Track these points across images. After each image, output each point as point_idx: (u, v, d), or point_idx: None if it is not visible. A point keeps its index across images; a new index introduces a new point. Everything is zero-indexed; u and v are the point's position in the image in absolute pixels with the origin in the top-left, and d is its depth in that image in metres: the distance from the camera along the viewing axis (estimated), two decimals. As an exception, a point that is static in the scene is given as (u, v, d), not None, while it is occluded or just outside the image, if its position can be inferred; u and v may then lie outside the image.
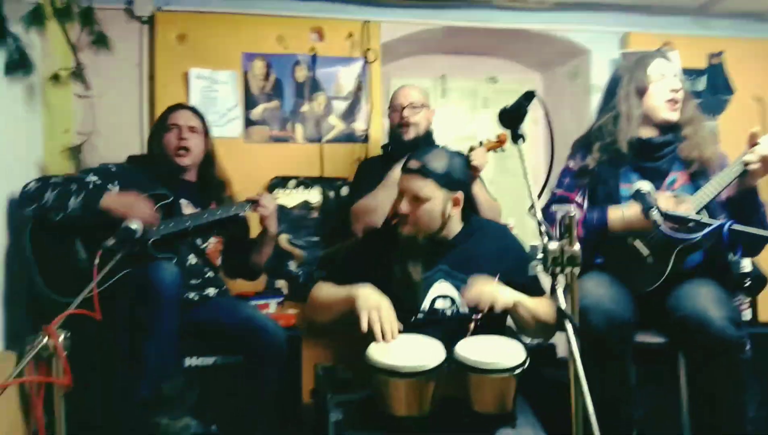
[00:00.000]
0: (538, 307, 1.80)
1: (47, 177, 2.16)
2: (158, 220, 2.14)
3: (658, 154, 2.09)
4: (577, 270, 1.06)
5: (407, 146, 2.53)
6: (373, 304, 1.70)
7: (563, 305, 1.00)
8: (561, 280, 1.06)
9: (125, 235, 1.67)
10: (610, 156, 2.09)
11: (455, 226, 1.88)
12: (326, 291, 1.89)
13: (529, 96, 1.31)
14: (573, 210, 2.04)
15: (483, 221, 1.99)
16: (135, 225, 1.72)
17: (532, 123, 3.68)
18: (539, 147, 3.69)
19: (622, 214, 1.97)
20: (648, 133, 2.10)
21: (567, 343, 0.96)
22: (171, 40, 2.98)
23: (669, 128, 2.10)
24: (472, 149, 2.49)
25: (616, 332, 1.82)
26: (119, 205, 2.06)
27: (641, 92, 2.10)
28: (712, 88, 3.42)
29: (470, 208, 2.49)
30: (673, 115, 2.07)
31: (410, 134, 2.60)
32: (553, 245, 1.06)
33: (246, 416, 2.16)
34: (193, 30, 2.99)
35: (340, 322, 1.86)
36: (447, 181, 1.78)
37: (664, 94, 2.07)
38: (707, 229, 1.38)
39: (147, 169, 2.32)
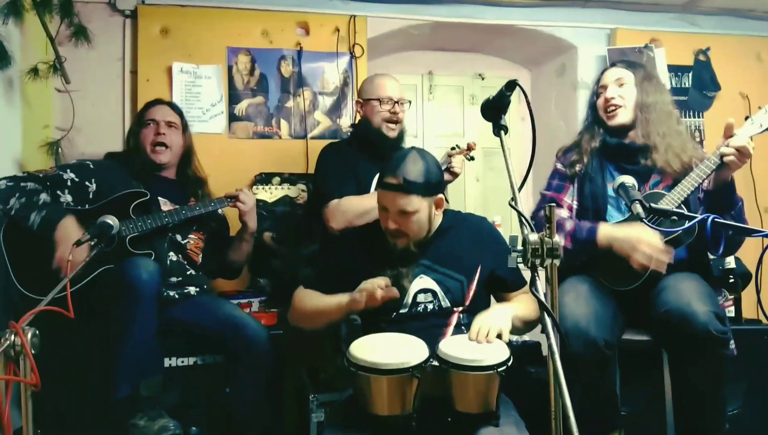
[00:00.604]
0: (526, 309, 1.81)
1: (20, 177, 2.11)
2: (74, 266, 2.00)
3: (635, 157, 2.09)
4: (557, 262, 1.03)
5: (390, 144, 2.44)
6: (361, 287, 1.70)
7: (542, 298, 0.97)
8: (541, 273, 1.04)
9: (100, 230, 1.62)
10: (594, 158, 2.14)
11: (436, 222, 1.87)
12: (313, 301, 1.86)
13: (510, 85, 1.29)
14: (564, 213, 2.05)
15: (460, 214, 1.97)
16: (111, 220, 1.68)
17: (520, 120, 3.67)
18: (526, 144, 3.67)
19: (611, 232, 1.96)
20: (619, 136, 2.13)
21: (546, 337, 0.93)
22: (154, 34, 2.93)
23: (634, 131, 2.12)
24: (450, 155, 2.43)
25: (596, 356, 1.81)
26: (61, 239, 1.94)
27: (594, 106, 2.20)
28: (699, 84, 3.42)
29: None
30: (613, 121, 2.12)
31: (395, 132, 2.48)
32: (533, 237, 1.03)
33: (228, 417, 2.12)
34: (176, 24, 2.94)
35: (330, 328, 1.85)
36: (428, 189, 1.76)
37: (603, 104, 2.15)
38: (692, 222, 1.36)
39: (124, 166, 2.27)
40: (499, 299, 1.95)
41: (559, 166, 2.23)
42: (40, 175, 2.12)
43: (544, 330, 0.94)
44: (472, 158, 2.53)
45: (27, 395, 1.23)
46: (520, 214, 1.07)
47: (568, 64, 3.49)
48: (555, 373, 0.86)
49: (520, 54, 3.70)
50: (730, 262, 2.50)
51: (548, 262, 1.02)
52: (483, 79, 3.75)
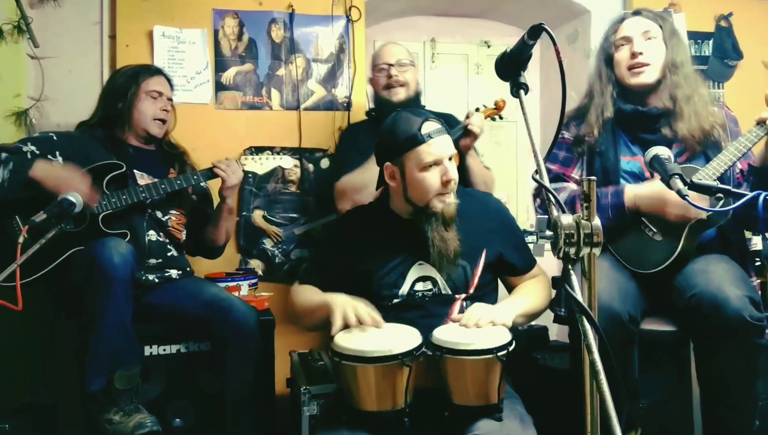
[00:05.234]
0: (536, 302, 1.65)
1: None
2: (96, 199, 1.87)
3: (655, 125, 1.89)
4: (597, 251, 0.84)
5: (396, 108, 2.26)
6: (347, 303, 1.54)
7: (578, 297, 0.79)
8: (574, 265, 0.84)
9: (60, 208, 1.44)
10: (605, 127, 1.93)
11: None
12: (302, 298, 1.70)
13: (534, 32, 1.07)
14: (573, 186, 1.86)
15: (462, 189, 1.75)
16: (74, 198, 1.49)
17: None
18: (533, 116, 3.46)
19: (637, 191, 1.79)
20: (635, 101, 1.92)
21: (585, 349, 0.75)
22: (134, -5, 2.71)
23: (656, 95, 1.90)
24: (468, 115, 2.28)
25: (617, 332, 1.63)
26: (51, 177, 1.78)
27: (610, 62, 1.96)
28: (720, 52, 3.21)
29: (463, 180, 2.29)
30: (638, 80, 1.90)
31: (400, 95, 2.38)
32: (567, 219, 0.83)
33: (214, 408, 1.97)
34: (158, -16, 2.72)
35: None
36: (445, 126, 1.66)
37: (626, 59, 1.91)
38: (742, 200, 1.17)
39: (96, 137, 2.07)
40: (507, 283, 1.78)
41: (565, 135, 2.01)
42: None
43: (584, 338, 0.75)
44: (501, 117, 2.41)
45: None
46: (547, 190, 0.87)
47: (580, 30, 3.27)
48: (600, 392, 0.67)
49: (529, 19, 3.40)
50: (757, 243, 2.32)
51: (585, 251, 0.82)
52: (489, 46, 3.53)
